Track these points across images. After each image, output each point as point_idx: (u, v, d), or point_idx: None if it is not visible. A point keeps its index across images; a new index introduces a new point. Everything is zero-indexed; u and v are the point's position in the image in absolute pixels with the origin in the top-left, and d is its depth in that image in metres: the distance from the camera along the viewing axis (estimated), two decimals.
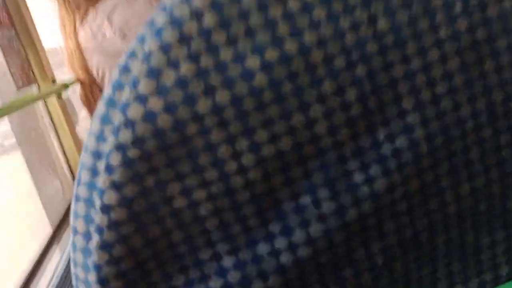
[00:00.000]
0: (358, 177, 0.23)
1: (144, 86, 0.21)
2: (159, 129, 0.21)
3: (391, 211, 0.24)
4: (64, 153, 1.64)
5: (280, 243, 0.23)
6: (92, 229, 0.22)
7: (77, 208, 0.23)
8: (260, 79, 0.21)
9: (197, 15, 0.21)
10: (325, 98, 0.22)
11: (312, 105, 0.22)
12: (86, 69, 1.41)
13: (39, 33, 1.63)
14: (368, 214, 0.23)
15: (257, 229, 0.23)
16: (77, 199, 0.23)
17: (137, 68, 0.21)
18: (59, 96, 1.60)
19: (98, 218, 0.22)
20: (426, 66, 0.23)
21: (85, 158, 0.22)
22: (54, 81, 1.62)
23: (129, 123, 0.21)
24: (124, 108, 0.21)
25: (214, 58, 0.21)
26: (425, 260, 0.26)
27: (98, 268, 0.22)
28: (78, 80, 1.45)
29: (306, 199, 0.23)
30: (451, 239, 0.26)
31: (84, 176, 0.23)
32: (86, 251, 0.23)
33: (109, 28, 1.39)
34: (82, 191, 0.23)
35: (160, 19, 0.21)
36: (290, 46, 0.21)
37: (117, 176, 0.21)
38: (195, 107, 0.21)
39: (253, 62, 0.21)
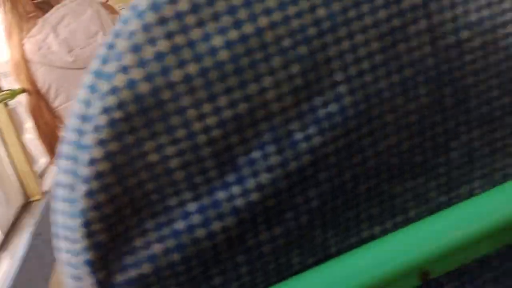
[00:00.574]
0: (298, 136, 0.28)
1: (127, 59, 0.25)
2: (139, 95, 0.25)
3: (324, 163, 0.29)
4: (12, 161, 1.64)
5: (235, 190, 0.28)
6: (77, 180, 0.26)
7: (62, 163, 0.27)
8: (223, 54, 0.26)
9: (173, 0, 0.25)
10: (275, 71, 0.27)
11: (264, 76, 0.27)
12: (32, 81, 1.41)
13: None
14: (306, 166, 0.28)
15: (216, 179, 0.28)
16: (62, 156, 0.27)
17: (121, 44, 0.25)
18: (5, 104, 1.60)
19: (85, 170, 0.26)
20: (354, 47, 0.28)
21: (72, 121, 0.26)
22: (0, 89, 1.62)
23: (114, 90, 0.25)
24: (110, 77, 0.25)
25: (186, 36, 0.26)
26: (350, 204, 0.31)
27: (83, 213, 0.26)
28: (24, 90, 1.45)
29: (257, 154, 0.28)
30: (370, 187, 0.31)
31: (70, 136, 0.26)
32: (70, 200, 0.27)
33: (55, 41, 1.39)
34: (67, 149, 0.27)
35: (143, 3, 0.26)
36: (248, 27, 0.26)
37: (103, 134, 0.25)
38: (169, 77, 0.26)
39: (218, 40, 0.26)
